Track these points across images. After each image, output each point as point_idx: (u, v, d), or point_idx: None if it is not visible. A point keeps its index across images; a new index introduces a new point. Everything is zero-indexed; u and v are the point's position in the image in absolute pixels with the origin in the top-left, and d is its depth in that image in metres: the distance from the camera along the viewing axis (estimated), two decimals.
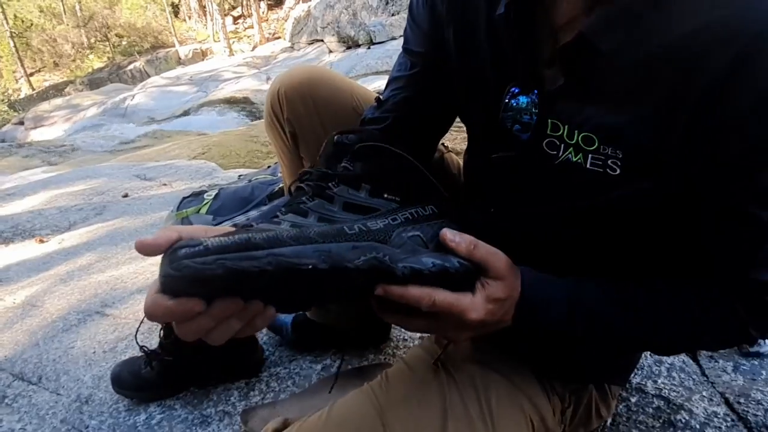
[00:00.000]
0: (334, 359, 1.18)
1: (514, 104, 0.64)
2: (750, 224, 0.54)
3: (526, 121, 0.63)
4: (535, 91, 0.62)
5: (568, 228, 0.66)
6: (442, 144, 0.98)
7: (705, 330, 0.61)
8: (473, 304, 0.52)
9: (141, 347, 1.11)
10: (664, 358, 0.97)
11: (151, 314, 0.42)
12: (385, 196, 0.57)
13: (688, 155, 0.54)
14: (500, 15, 0.61)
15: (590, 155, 0.57)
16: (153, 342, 1.20)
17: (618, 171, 0.57)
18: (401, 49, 0.81)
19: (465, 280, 0.51)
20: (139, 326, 1.22)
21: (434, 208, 0.55)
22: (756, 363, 0.92)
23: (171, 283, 0.40)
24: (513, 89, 0.64)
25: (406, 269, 0.47)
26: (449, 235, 0.52)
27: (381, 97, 0.82)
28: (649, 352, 1.00)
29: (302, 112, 0.88)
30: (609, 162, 0.57)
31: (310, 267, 0.42)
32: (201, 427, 1.05)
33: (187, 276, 0.39)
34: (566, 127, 0.59)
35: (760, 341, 0.92)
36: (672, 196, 0.57)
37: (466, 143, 0.82)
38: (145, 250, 0.42)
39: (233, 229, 0.50)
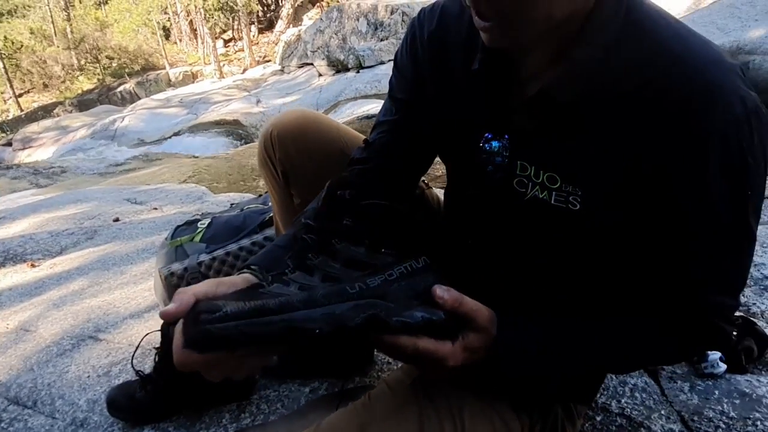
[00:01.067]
0: (322, 382, 1.23)
1: (488, 148, 0.73)
2: (687, 257, 0.62)
3: (498, 162, 0.72)
4: (506, 136, 0.71)
5: (536, 258, 0.74)
6: (423, 181, 1.06)
7: (653, 352, 0.70)
8: (452, 352, 0.57)
9: (136, 372, 1.16)
10: (628, 379, 1.04)
11: (182, 366, 0.51)
12: (383, 250, 0.63)
13: (636, 196, 0.62)
14: (475, 70, 0.70)
15: (554, 192, 0.66)
16: (147, 366, 1.24)
17: (578, 206, 0.65)
18: (387, 95, 0.90)
19: (449, 330, 0.58)
20: (135, 352, 1.27)
21: (426, 259, 0.62)
22: (710, 383, 1.00)
23: (197, 344, 0.48)
24: (487, 134, 0.73)
25: (398, 323, 0.54)
26: (438, 292, 0.57)
27: (368, 139, 0.90)
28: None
29: (293, 154, 0.95)
30: (570, 198, 0.65)
31: (317, 330, 0.49)
32: None
33: (212, 339, 0.48)
34: (533, 167, 0.67)
35: (716, 364, 0.99)
36: (628, 230, 0.65)
37: (446, 180, 0.91)
38: (170, 318, 0.52)
39: (240, 279, 0.61)
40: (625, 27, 0.62)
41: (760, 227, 1.69)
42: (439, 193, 1.06)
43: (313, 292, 0.54)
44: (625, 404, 0.99)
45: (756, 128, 0.58)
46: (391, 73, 0.89)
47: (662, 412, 0.95)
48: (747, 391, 0.97)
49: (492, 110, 0.71)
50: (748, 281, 1.42)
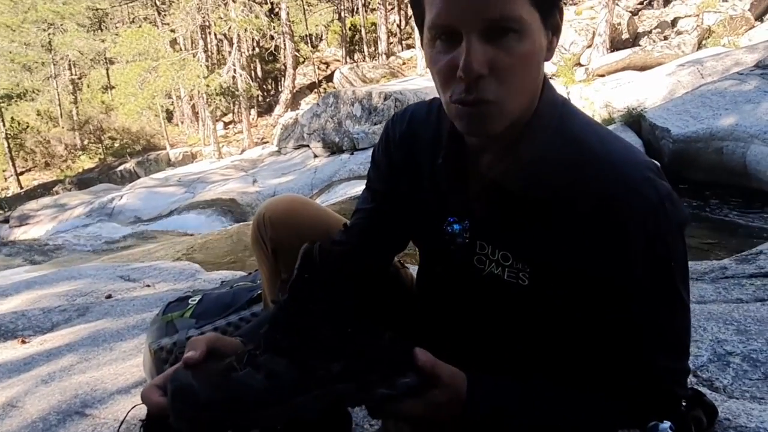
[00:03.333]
0: None
1: (450, 231, 0.85)
2: (628, 327, 0.73)
3: (460, 242, 0.84)
4: (466, 220, 0.83)
5: (494, 328, 0.84)
6: (399, 261, 1.17)
7: (607, 417, 0.76)
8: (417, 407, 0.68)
9: None
10: None
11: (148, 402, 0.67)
12: (348, 330, 0.72)
13: (575, 274, 0.73)
14: (439, 164, 0.83)
15: (507, 269, 0.78)
16: None
17: (527, 282, 0.76)
18: (365, 185, 1.03)
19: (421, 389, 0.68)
20: (121, 425, 1.31)
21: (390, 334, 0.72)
22: None
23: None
24: (450, 218, 0.85)
25: (382, 394, 0.65)
26: (419, 355, 0.69)
27: (348, 223, 1.02)
28: None
29: (282, 233, 1.07)
30: (520, 275, 0.77)
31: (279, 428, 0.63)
32: None
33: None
34: (490, 246, 0.80)
35: (660, 424, 1.05)
36: (573, 304, 0.75)
37: (419, 260, 1.02)
38: (193, 363, 0.68)
39: (236, 342, 0.76)
40: (558, 132, 0.75)
41: (718, 306, 1.78)
42: (414, 271, 1.16)
43: (279, 382, 0.63)
44: None
45: (670, 211, 0.70)
46: None
47: None
48: None
49: (454, 198, 0.84)
50: (711, 357, 1.49)
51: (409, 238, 1.01)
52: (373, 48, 24.56)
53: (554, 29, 0.71)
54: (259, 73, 24.84)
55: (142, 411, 1.27)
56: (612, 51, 12.33)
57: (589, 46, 12.94)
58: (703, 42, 11.80)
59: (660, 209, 0.69)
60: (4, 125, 21.83)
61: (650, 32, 13.41)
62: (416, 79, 15.81)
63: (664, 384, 0.76)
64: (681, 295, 0.73)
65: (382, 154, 0.97)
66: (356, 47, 25.76)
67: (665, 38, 12.64)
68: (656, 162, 0.76)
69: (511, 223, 0.77)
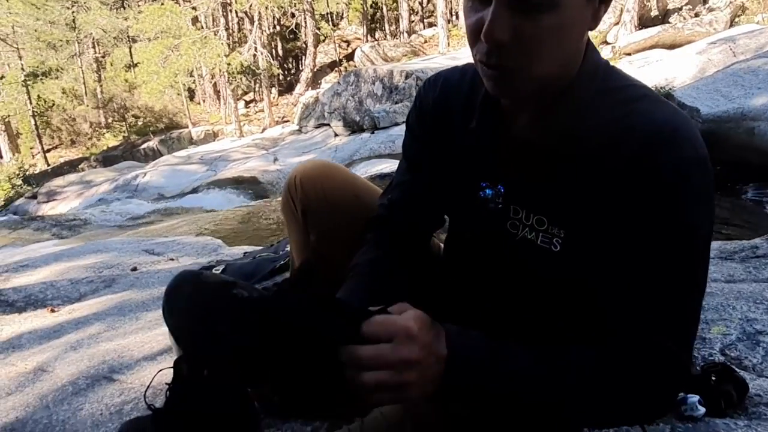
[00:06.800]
0: (323, 423, 1.28)
1: (482, 196, 0.83)
2: (653, 293, 0.68)
3: (492, 208, 0.82)
4: (500, 185, 0.81)
5: (521, 292, 0.82)
6: None
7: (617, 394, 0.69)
8: (416, 349, 0.61)
9: (148, 405, 1.22)
10: None
11: None
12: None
13: (606, 236, 0.70)
14: (472, 127, 0.81)
15: (541, 234, 0.76)
16: (158, 403, 1.30)
17: (558, 248, 0.74)
18: (401, 156, 1.02)
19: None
20: (148, 387, 1.34)
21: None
22: (690, 426, 1.03)
23: None
24: (483, 184, 0.83)
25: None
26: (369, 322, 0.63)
27: (389, 197, 1.01)
28: None
29: (311, 195, 1.08)
30: (554, 240, 0.75)
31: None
32: None
33: None
34: (524, 211, 0.78)
35: (695, 407, 1.04)
36: (597, 269, 0.72)
37: (447, 229, 1.01)
38: None
39: None
40: (600, 93, 0.73)
41: (748, 285, 1.74)
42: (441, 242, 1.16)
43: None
44: None
45: (705, 178, 0.66)
46: (404, 133, 1.01)
47: None
48: None
49: (487, 163, 0.82)
50: (740, 335, 1.46)
51: (445, 208, 0.99)
52: (394, 26, 24.29)
53: None
54: (280, 52, 24.79)
55: (167, 376, 1.30)
56: (640, 28, 12.00)
57: (617, 24, 12.61)
58: (736, 19, 11.41)
59: (695, 172, 0.66)
60: (30, 103, 22.19)
61: (680, 9, 13.01)
62: (438, 57, 15.63)
63: (668, 367, 0.69)
64: (696, 272, 0.69)
65: (415, 121, 0.96)
66: (377, 25, 25.50)
67: (696, 15, 12.25)
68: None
69: (547, 186, 0.75)
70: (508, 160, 0.80)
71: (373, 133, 12.45)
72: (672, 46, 10.63)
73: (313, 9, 21.51)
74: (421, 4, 24.57)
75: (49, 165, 22.01)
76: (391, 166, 7.68)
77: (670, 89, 7.10)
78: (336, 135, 13.73)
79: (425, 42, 21.29)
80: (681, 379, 0.72)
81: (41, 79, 23.04)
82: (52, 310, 2.54)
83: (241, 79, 20.40)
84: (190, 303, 0.69)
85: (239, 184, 10.82)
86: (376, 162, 9.60)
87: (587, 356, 0.69)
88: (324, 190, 1.08)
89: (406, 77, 13.13)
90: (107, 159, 20.33)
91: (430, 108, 0.92)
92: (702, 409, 1.03)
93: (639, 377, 0.68)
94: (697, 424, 1.03)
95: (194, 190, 11.29)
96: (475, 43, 0.69)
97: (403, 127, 1.03)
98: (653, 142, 0.66)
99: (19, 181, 18.13)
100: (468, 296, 0.82)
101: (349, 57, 23.40)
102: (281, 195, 1.16)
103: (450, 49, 17.85)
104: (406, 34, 22.39)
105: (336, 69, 23.14)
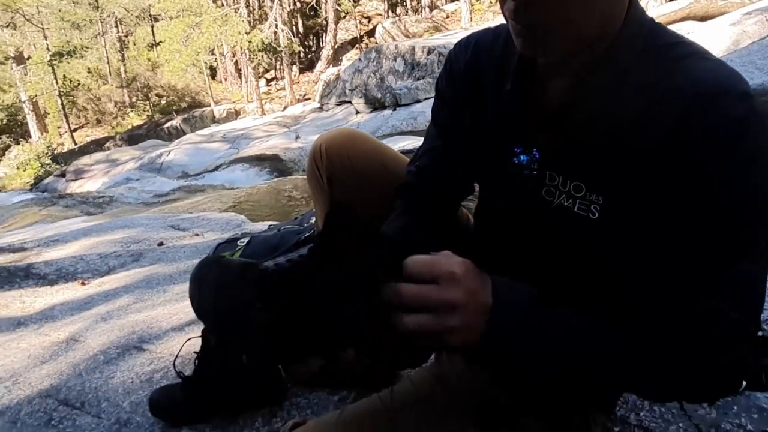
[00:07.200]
0: (350, 392, 1.29)
1: (516, 162, 0.80)
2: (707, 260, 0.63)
3: (527, 174, 0.79)
4: (535, 150, 0.78)
5: (556, 262, 0.79)
6: None
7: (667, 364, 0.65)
8: (459, 294, 0.59)
9: (178, 373, 1.24)
10: None
11: None
12: None
13: (649, 202, 0.66)
14: (507, 91, 0.78)
15: (578, 200, 0.72)
16: (188, 371, 1.32)
17: (597, 215, 0.71)
18: (430, 122, 0.99)
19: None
20: (177, 355, 1.36)
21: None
22: (729, 399, 1.01)
23: None
24: (517, 149, 0.80)
25: None
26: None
27: (416, 165, 0.99)
28: None
29: (337, 163, 1.07)
30: (591, 207, 0.71)
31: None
32: None
33: None
34: (561, 177, 0.74)
35: None
36: (640, 238, 0.69)
37: (477, 198, 0.98)
38: None
39: None
40: (644, 52, 0.68)
41: None
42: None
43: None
44: (644, 417, 1.01)
45: (763, 137, 0.61)
46: (426, 109, 0.98)
47: (680, 425, 0.97)
48: (765, 406, 0.99)
49: (521, 128, 0.79)
50: None
51: (476, 175, 0.96)
52: (416, 1, 23.88)
53: None
54: (301, 29, 24.61)
55: (195, 346, 1.31)
56: (670, 0, 11.58)
57: None
58: None
59: (752, 129, 0.61)
60: (57, 83, 22.51)
61: None
62: (460, 33, 15.35)
63: (730, 338, 0.64)
64: (756, 236, 0.63)
65: (446, 86, 0.93)
66: (399, 1, 25.09)
67: None
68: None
69: (585, 151, 0.72)
70: (544, 124, 0.76)
71: (394, 110, 12.34)
72: (704, 18, 10.23)
73: None
74: None
75: (76, 144, 22.39)
76: (413, 143, 7.61)
77: None
78: (357, 112, 13.65)
79: (447, 17, 20.91)
80: (748, 351, 0.65)
81: (66, 58, 23.29)
82: (83, 283, 2.60)
83: (262, 56, 20.36)
84: (217, 283, 0.67)
85: (261, 161, 10.86)
86: (398, 139, 9.52)
87: (639, 325, 0.65)
88: (350, 159, 1.06)
89: (428, 53, 12.93)
90: (132, 138, 20.59)
91: (461, 71, 0.89)
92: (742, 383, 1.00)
93: (696, 346, 0.63)
94: (736, 398, 1.01)
95: (217, 168, 11.38)
96: (505, 0, 0.66)
97: (425, 103, 1.01)
98: (703, 99, 0.62)
99: (47, 160, 18.51)
100: (500, 266, 0.79)
101: (370, 33, 23.14)
102: (306, 164, 1.14)
103: (473, 24, 17.51)
104: (427, 9, 22.01)
105: (357, 46, 22.91)
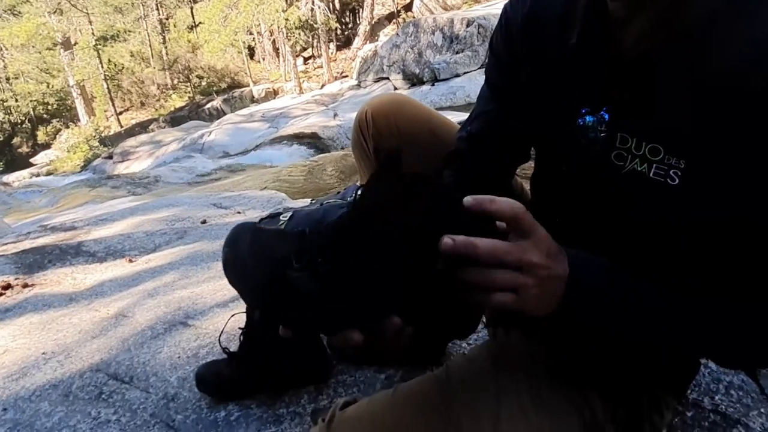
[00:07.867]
0: (397, 370, 1.25)
1: (582, 123, 0.71)
2: None
3: (593, 137, 0.70)
4: (603, 110, 0.69)
5: (625, 235, 0.71)
6: None
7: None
8: (533, 247, 0.55)
9: (223, 349, 1.22)
10: (723, 377, 0.98)
11: None
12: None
13: (740, 169, 0.58)
14: (573, 44, 0.70)
15: (654, 165, 0.63)
16: (233, 347, 1.31)
17: (677, 181, 0.62)
18: (484, 83, 0.91)
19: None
20: (222, 332, 1.34)
21: None
22: None
23: None
24: (583, 110, 0.71)
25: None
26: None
27: (469, 129, 0.92)
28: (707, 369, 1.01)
29: (383, 131, 1.02)
30: (671, 172, 0.62)
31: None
32: (274, 425, 1.15)
33: None
34: (634, 139, 0.65)
35: None
36: (728, 209, 0.61)
37: (534, 166, 0.90)
38: None
39: None
40: (728, 3, 0.59)
41: None
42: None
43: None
44: (720, 401, 0.93)
45: None
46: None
47: (762, 410, 0.89)
48: None
49: (589, 85, 0.70)
50: None
51: (534, 140, 0.88)
52: None
53: None
54: (337, 5, 24.38)
55: (240, 322, 1.30)
56: None
57: None
58: None
59: None
60: (102, 67, 23.11)
61: None
62: (501, 2, 14.86)
63: None
64: None
65: (501, 43, 0.84)
66: None
67: None
68: None
69: (664, 109, 0.63)
70: (615, 80, 0.67)
71: (433, 85, 12.13)
72: None
73: None
74: None
75: (122, 127, 23.05)
76: (453, 119, 7.48)
77: None
78: (395, 89, 13.50)
79: None
80: None
81: (110, 43, 23.87)
82: (130, 260, 2.65)
83: (299, 34, 20.30)
84: (253, 243, 0.61)
85: (300, 139, 10.90)
86: None
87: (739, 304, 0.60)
88: (397, 126, 1.01)
89: (468, 25, 12.59)
90: (174, 119, 21.03)
91: (518, 26, 0.80)
92: None
93: None
94: None
95: (257, 147, 11.50)
96: None
97: (465, 78, 0.94)
98: None
99: (95, 143, 19.15)
100: (560, 239, 0.71)
101: (408, 7, 22.71)
102: (351, 132, 1.09)
103: None
104: None
105: (394, 21, 22.56)
